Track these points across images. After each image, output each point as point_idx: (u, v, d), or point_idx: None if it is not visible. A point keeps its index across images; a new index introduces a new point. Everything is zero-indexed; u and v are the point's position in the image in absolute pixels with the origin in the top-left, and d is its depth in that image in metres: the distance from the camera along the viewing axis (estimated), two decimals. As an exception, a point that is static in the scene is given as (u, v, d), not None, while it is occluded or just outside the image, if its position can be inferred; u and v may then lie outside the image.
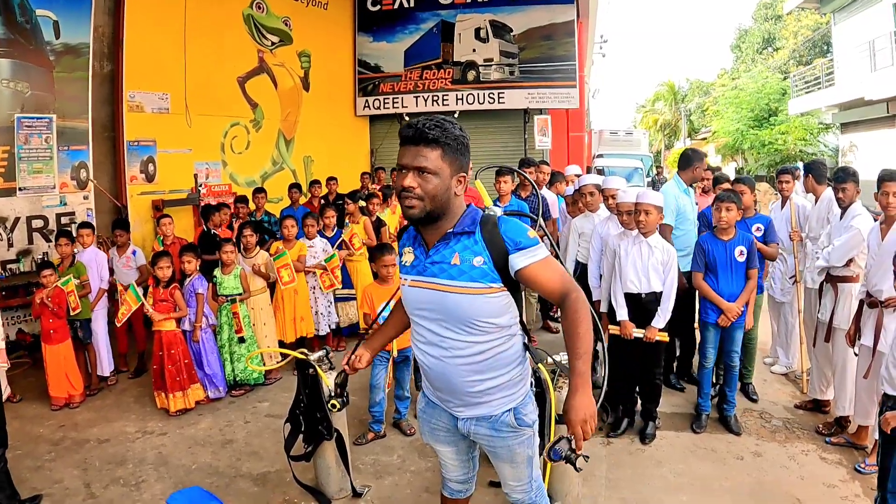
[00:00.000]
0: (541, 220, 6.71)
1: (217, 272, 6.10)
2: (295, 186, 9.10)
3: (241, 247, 6.47)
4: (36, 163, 7.91)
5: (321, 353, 3.98)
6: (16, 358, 7.07)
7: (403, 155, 2.18)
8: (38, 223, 8.02)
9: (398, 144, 2.28)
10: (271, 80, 11.24)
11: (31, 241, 7.93)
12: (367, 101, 12.97)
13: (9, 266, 7.68)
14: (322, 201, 9.28)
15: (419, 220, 2.24)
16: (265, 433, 5.24)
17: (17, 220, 7.80)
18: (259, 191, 8.85)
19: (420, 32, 12.49)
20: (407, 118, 12.73)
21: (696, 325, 5.39)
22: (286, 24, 11.41)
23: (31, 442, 5.30)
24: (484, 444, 2.50)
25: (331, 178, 9.91)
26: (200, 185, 9.71)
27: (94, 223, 8.50)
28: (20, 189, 7.79)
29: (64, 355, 5.95)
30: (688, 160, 5.64)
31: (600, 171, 15.60)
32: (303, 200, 9.25)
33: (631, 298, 4.66)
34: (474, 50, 12.22)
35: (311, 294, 6.87)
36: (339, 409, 3.26)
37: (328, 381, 3.78)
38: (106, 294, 6.59)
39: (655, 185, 18.42)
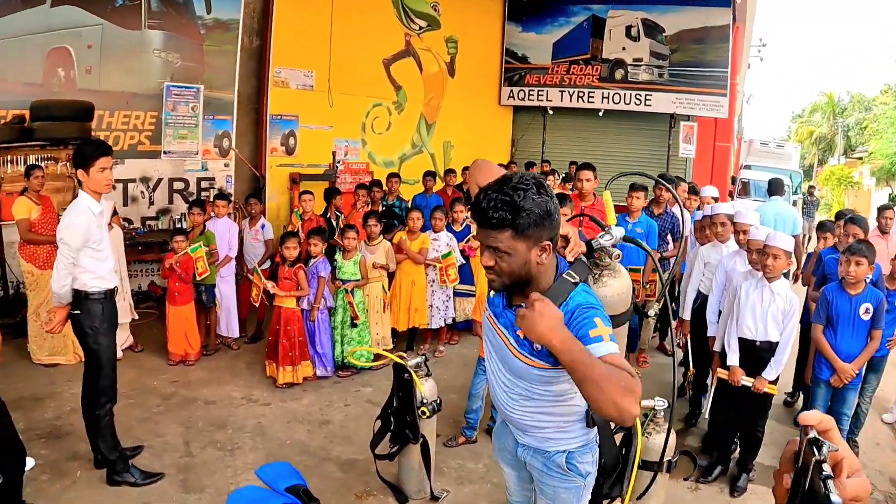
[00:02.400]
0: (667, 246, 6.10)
1: (338, 256, 6.08)
2: (430, 174, 8.98)
3: (366, 235, 6.41)
4: (181, 129, 8.25)
5: (419, 359, 3.93)
6: (145, 309, 7.39)
7: (478, 232, 2.01)
8: (178, 185, 8.39)
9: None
10: (417, 64, 11.25)
11: (171, 202, 8.31)
12: (511, 91, 12.69)
13: (148, 222, 8.09)
14: (454, 191, 9.12)
15: (503, 290, 2.12)
16: (362, 419, 5.11)
17: (159, 180, 8.19)
18: (393, 176, 8.79)
19: (570, 26, 12.01)
20: (551, 112, 12.42)
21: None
22: (435, 9, 11.35)
23: (144, 393, 5.47)
24: (535, 476, 2.38)
25: (467, 168, 9.72)
26: (339, 163, 9.85)
27: (233, 190, 8.83)
28: (165, 152, 8.18)
29: (185, 316, 6.11)
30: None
31: (745, 184, 14.53)
32: (437, 188, 9.11)
33: (745, 344, 4.29)
34: (624, 48, 11.60)
35: (428, 287, 6.66)
36: (429, 416, 3.12)
37: (422, 387, 3.77)
38: (234, 261, 6.71)
39: (806, 205, 16.99)
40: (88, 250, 3.89)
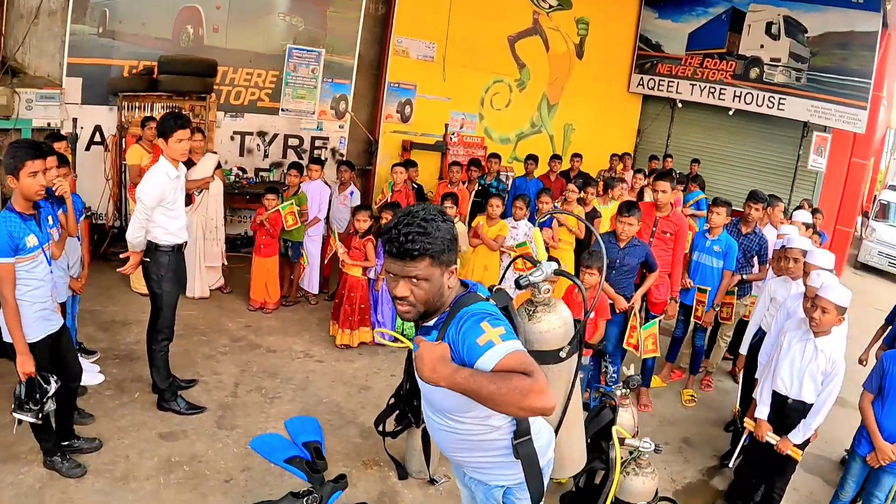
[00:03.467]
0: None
1: None
2: (531, 158, 8.88)
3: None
4: (300, 89, 8.70)
5: None
6: (245, 253, 7.94)
7: (390, 265, 2.03)
8: (293, 142, 8.90)
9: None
10: (543, 43, 11.05)
11: (284, 156, 8.84)
12: (641, 79, 12.14)
13: (261, 173, 8.64)
14: (557, 177, 8.95)
15: (417, 320, 2.14)
16: None
17: (275, 136, 8.74)
18: (493, 156, 8.78)
19: (708, 16, 11.20)
20: (680, 105, 11.81)
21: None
22: None
23: (218, 332, 5.95)
24: (479, 502, 2.44)
25: (575, 155, 9.52)
26: (453, 134, 9.97)
27: (345, 151, 9.23)
28: (282, 110, 8.69)
29: (268, 268, 6.53)
30: None
31: (884, 206, 13.02)
32: (539, 173, 8.99)
33: (777, 398, 3.96)
34: (762, 46, 10.61)
35: (501, 274, 6.58)
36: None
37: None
38: (322, 223, 7.02)
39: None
40: (162, 209, 4.32)
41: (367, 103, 9.58)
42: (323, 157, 8.83)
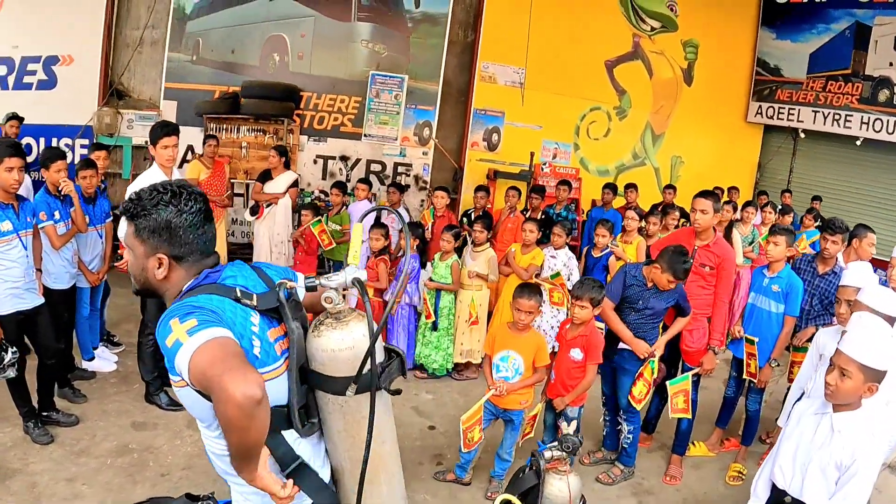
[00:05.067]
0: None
1: (437, 255, 6.02)
2: (609, 186, 8.43)
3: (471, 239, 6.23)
4: (383, 115, 9.00)
5: None
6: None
7: None
8: (375, 167, 9.20)
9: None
10: (646, 68, 10.44)
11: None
12: (760, 106, 11.01)
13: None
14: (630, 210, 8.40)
15: (138, 294, 2.01)
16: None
17: (357, 160, 9.07)
18: (563, 183, 8.44)
19: (830, 34, 9.92)
20: (803, 135, 10.63)
21: None
22: (671, 9, 10.37)
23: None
24: None
25: (629, 186, 8.67)
26: (544, 165, 9.77)
27: (429, 178, 9.37)
28: (365, 135, 9.01)
29: (303, 284, 6.73)
30: None
31: None
32: (618, 204, 8.51)
33: (774, 492, 2.88)
34: (891, 63, 9.24)
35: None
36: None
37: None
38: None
39: None
40: None
41: (454, 131, 9.64)
42: (404, 184, 9.03)
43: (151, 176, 4.56)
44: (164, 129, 4.55)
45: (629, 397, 4.35)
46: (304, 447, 1.93)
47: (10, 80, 7.36)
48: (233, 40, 8.06)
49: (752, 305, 4.83)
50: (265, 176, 6.90)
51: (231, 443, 1.65)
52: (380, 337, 1.94)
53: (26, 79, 7.39)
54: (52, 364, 4.47)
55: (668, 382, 4.49)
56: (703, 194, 4.67)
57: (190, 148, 8.10)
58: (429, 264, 6.10)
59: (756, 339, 4.59)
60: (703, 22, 10.58)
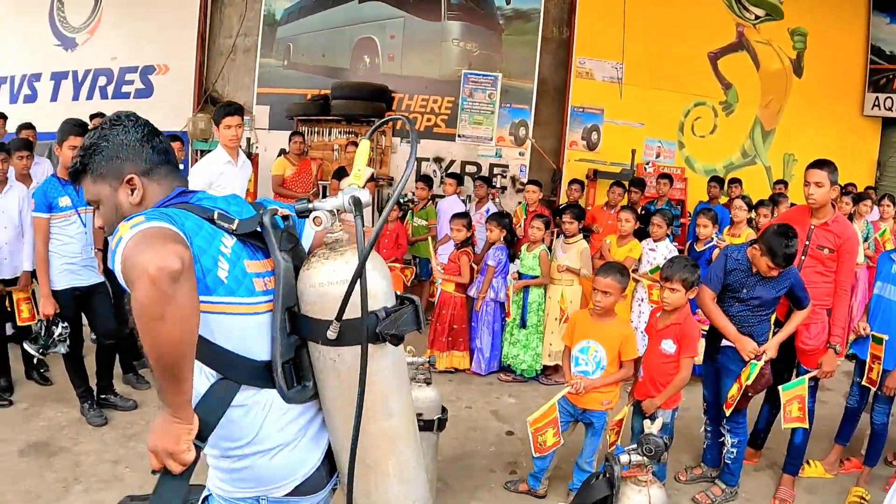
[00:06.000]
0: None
1: (524, 247, 5.73)
2: (715, 180, 7.89)
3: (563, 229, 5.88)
4: (477, 115, 8.75)
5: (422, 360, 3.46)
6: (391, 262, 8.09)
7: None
8: (471, 168, 8.94)
9: None
10: (752, 59, 9.57)
11: (461, 183, 8.86)
12: (877, 98, 9.81)
13: (435, 199, 8.78)
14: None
15: None
16: (459, 428, 4.64)
17: (451, 162, 8.86)
18: (663, 177, 7.91)
19: None
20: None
21: None
22: None
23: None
24: None
25: (734, 181, 8.11)
26: (647, 164, 9.25)
27: (526, 179, 9.02)
28: (459, 136, 8.79)
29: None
30: None
31: None
32: (724, 200, 7.90)
33: None
34: None
35: (635, 306, 5.77)
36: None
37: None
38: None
39: None
40: (211, 191, 4.66)
41: (551, 130, 9.25)
42: (499, 185, 8.76)
43: (216, 156, 4.50)
44: (226, 109, 4.49)
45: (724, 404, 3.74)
46: (276, 423, 1.59)
47: (110, 89, 7.69)
48: (323, 44, 8.11)
49: (879, 297, 4.10)
50: (341, 172, 6.81)
51: (146, 348, 1.29)
52: (390, 280, 1.60)
53: (124, 88, 7.71)
54: (111, 346, 4.51)
55: (780, 387, 3.85)
56: (818, 164, 3.92)
57: (282, 151, 8.14)
58: (517, 260, 5.78)
59: (885, 338, 3.90)
60: (810, 8, 9.61)
